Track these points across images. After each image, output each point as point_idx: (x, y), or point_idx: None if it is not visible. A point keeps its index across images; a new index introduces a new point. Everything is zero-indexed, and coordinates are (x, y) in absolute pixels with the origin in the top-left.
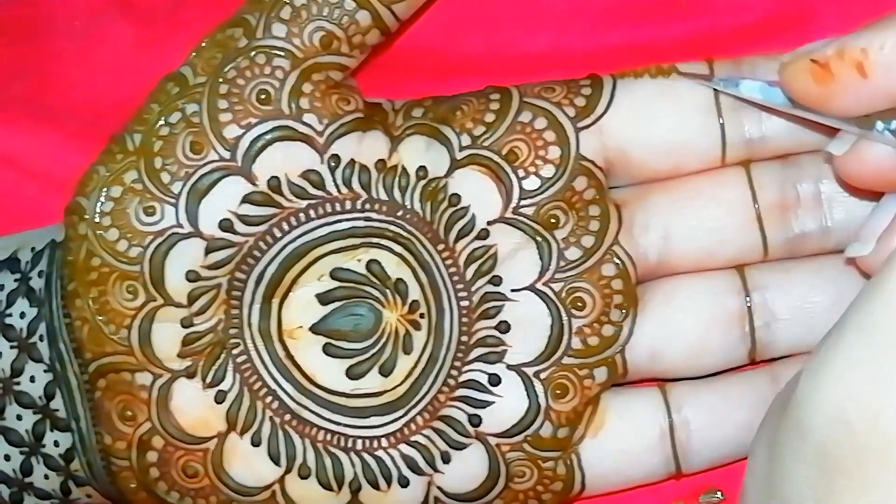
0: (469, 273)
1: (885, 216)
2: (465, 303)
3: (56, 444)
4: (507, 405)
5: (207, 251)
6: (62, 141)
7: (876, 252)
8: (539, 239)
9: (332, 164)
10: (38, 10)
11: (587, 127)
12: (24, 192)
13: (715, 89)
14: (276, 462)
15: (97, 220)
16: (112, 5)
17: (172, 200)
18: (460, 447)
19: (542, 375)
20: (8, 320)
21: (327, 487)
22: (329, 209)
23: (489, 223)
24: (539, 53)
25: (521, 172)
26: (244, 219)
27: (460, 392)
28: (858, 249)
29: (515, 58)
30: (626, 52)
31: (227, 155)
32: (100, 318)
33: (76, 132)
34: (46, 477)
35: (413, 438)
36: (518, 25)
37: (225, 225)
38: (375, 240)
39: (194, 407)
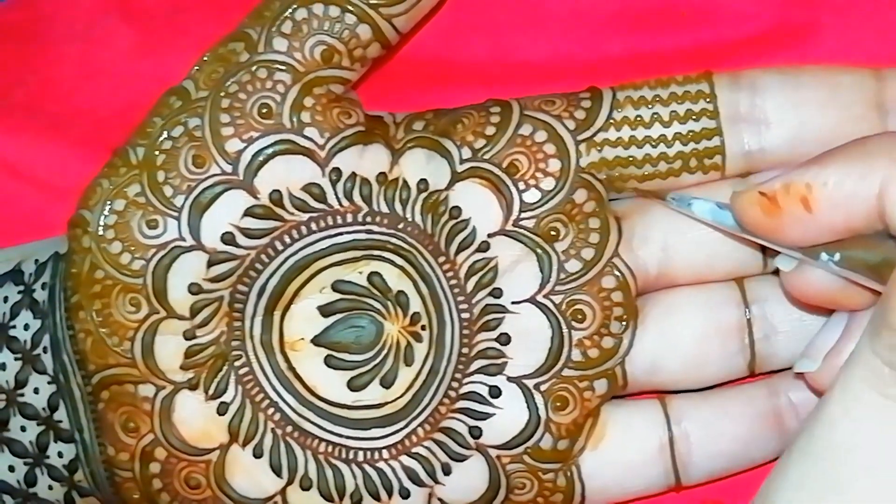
0: (470, 285)
1: (832, 334)
2: (465, 315)
3: (60, 455)
4: (507, 417)
5: (210, 264)
6: (64, 149)
7: (823, 369)
8: (539, 251)
9: (334, 177)
10: (37, 15)
11: (587, 139)
12: (25, 200)
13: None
14: (278, 474)
15: (101, 233)
16: (112, 10)
17: (175, 214)
18: (461, 459)
19: (543, 387)
20: (12, 332)
21: (329, 499)
22: (330, 222)
23: (490, 236)
24: (541, 62)
25: (521, 185)
26: (246, 232)
27: (461, 404)
28: (806, 365)
29: (517, 66)
30: (627, 62)
31: (228, 168)
32: (103, 330)
33: (77, 140)
34: (50, 488)
35: (414, 450)
36: (520, 34)
37: (227, 238)
38: (377, 252)
39: (197, 419)
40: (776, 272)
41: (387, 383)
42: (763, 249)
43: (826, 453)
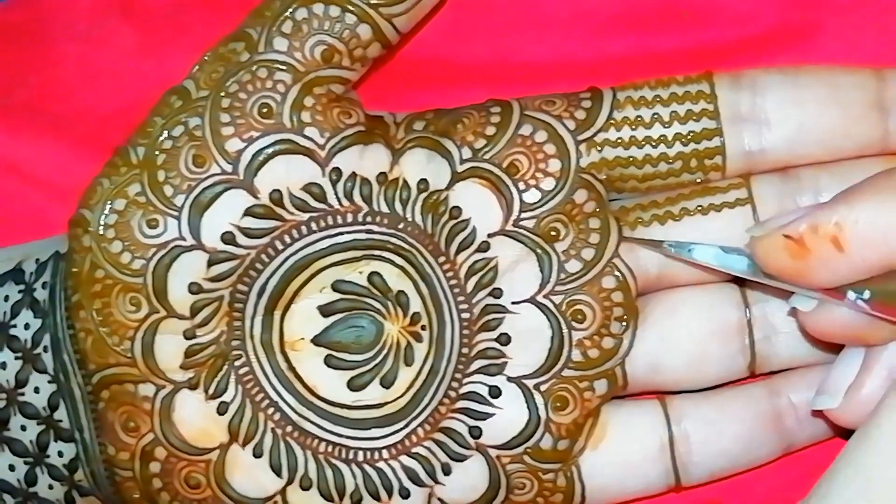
0: (470, 285)
1: (849, 369)
2: (465, 315)
3: (60, 454)
4: (507, 417)
5: (210, 263)
6: (65, 149)
7: (846, 404)
8: (539, 251)
9: (334, 177)
10: (39, 15)
11: (587, 139)
12: (26, 200)
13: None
14: (278, 473)
15: (101, 232)
16: (113, 9)
17: (175, 213)
18: (461, 459)
19: (543, 387)
20: (13, 331)
21: (329, 499)
22: (331, 222)
23: (490, 236)
24: (542, 62)
25: (521, 185)
26: (246, 231)
27: (461, 404)
28: (826, 402)
29: (518, 67)
30: (628, 62)
31: (229, 168)
32: (103, 329)
33: (79, 140)
34: (51, 487)
35: (414, 450)
36: (521, 34)
37: (227, 237)
38: (377, 252)
39: (197, 418)
40: (792, 312)
41: (387, 383)
42: (772, 289)
43: (873, 477)
